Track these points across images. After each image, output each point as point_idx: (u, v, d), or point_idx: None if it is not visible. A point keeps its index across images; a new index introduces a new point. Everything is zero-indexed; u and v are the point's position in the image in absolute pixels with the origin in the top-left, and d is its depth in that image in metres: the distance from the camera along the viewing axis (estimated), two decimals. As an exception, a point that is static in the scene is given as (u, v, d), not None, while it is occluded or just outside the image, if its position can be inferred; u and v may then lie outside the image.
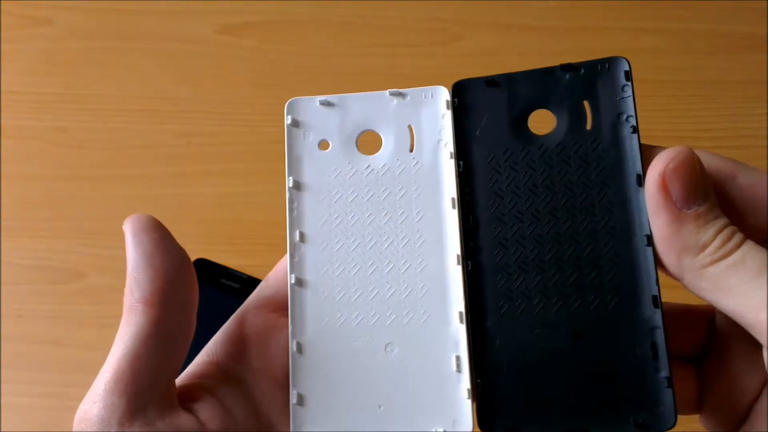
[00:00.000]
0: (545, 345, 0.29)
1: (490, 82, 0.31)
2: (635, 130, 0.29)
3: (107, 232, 0.60)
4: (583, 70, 0.30)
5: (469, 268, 0.30)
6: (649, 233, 0.28)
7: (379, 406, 0.29)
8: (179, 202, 0.62)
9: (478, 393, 0.29)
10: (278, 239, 0.61)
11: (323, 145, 0.32)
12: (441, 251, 0.30)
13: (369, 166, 0.31)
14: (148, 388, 0.27)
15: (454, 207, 0.30)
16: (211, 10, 0.73)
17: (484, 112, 0.31)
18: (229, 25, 0.73)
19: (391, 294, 0.30)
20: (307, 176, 0.31)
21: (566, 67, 0.30)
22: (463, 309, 0.30)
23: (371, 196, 0.31)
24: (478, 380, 0.29)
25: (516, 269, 0.29)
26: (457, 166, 0.30)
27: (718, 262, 0.27)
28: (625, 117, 0.29)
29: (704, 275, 0.27)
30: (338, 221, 0.31)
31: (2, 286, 0.57)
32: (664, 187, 0.27)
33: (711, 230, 0.27)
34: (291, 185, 0.31)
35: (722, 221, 0.27)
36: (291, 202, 0.31)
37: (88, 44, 0.71)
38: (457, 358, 0.29)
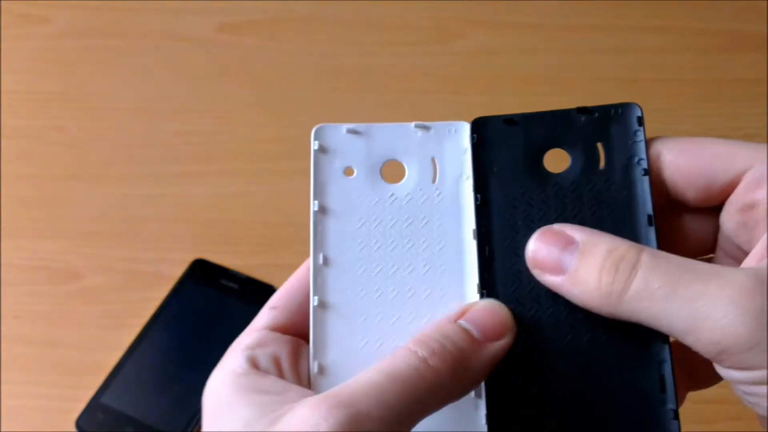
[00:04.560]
0: (554, 375, 0.29)
1: (508, 120, 0.31)
2: (646, 172, 0.30)
3: (106, 232, 0.60)
4: (597, 114, 0.31)
5: (485, 297, 0.30)
6: None
7: None
8: (178, 202, 0.62)
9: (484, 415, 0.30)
10: (277, 239, 0.61)
11: (348, 171, 0.32)
12: (461, 280, 0.31)
13: (393, 194, 0.32)
14: None
15: (474, 238, 0.31)
16: (210, 8, 0.73)
17: (501, 149, 0.31)
18: (229, 24, 0.72)
19: (412, 320, 0.31)
20: (332, 201, 0.32)
21: (581, 110, 0.31)
22: None
23: (394, 223, 0.32)
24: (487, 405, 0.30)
25: (529, 300, 0.30)
26: (475, 198, 0.31)
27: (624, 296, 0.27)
28: (636, 160, 0.30)
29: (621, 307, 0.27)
30: (361, 246, 0.31)
31: (0, 287, 0.57)
32: (536, 264, 0.29)
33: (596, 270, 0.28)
34: (316, 209, 0.31)
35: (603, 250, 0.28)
36: (316, 225, 0.31)
37: (86, 43, 0.71)
38: None
